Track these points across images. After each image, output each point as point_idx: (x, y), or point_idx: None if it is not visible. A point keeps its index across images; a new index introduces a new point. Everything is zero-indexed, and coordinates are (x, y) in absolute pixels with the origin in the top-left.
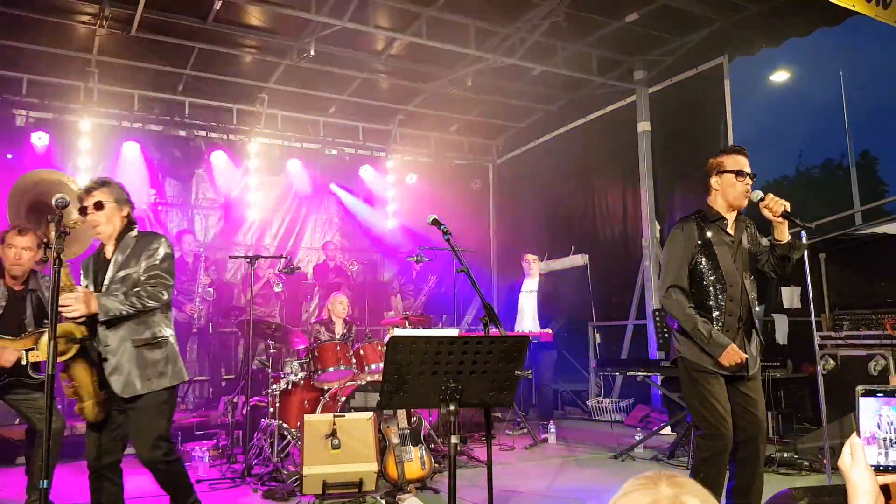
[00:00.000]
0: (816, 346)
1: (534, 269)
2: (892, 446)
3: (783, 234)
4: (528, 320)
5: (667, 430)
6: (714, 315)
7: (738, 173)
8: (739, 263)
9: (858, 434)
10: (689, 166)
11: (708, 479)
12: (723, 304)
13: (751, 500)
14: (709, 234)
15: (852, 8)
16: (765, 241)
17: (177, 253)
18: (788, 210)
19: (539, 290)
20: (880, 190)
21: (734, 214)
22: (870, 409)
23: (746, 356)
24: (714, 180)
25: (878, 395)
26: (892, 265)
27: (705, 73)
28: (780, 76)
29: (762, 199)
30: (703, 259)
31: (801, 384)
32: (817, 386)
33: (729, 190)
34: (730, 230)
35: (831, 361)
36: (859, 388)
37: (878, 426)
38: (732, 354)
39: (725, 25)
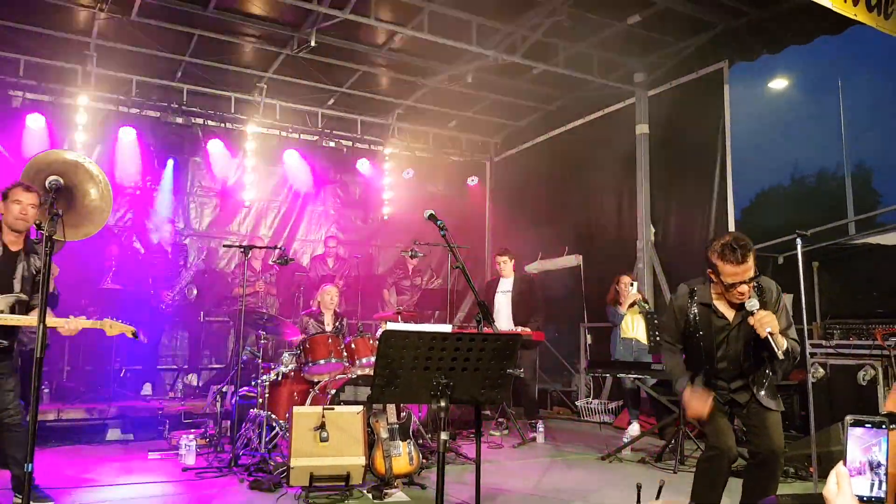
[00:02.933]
0: (807, 354)
1: (506, 269)
2: (880, 478)
3: (771, 348)
4: (503, 320)
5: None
6: (702, 377)
7: (730, 286)
8: (733, 344)
9: (845, 463)
10: (687, 170)
11: (697, 480)
12: (705, 375)
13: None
14: (697, 312)
15: (854, 17)
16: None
17: (154, 239)
18: (771, 336)
19: (514, 289)
20: (874, 200)
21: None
22: (858, 439)
23: (704, 412)
24: (711, 274)
25: (868, 425)
26: (883, 276)
27: (705, 78)
28: (779, 83)
29: (752, 314)
30: (690, 334)
31: (789, 391)
32: (806, 394)
33: (723, 287)
34: (723, 313)
35: (821, 370)
36: (848, 418)
37: (869, 459)
38: (693, 405)
39: (727, 30)
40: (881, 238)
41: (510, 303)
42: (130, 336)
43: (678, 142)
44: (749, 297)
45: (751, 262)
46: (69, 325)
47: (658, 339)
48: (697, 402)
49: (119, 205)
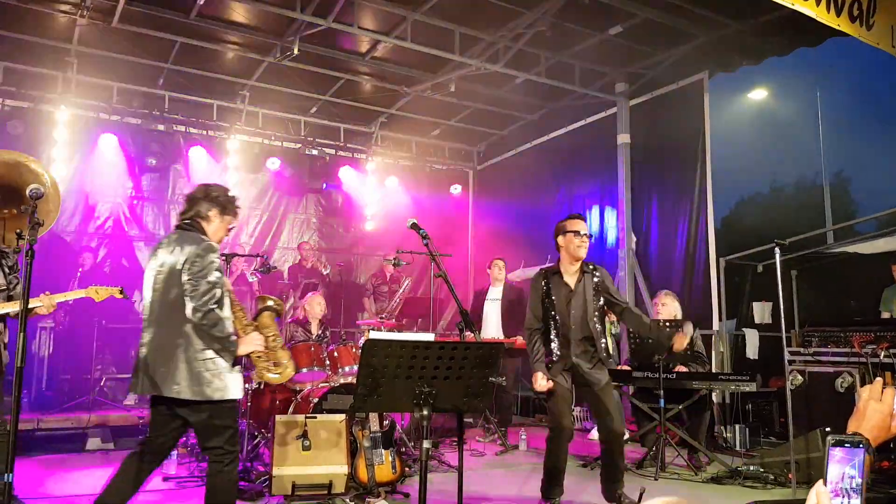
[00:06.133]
0: (786, 362)
1: (501, 276)
2: (852, 494)
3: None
4: (492, 328)
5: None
6: (552, 341)
7: (575, 233)
8: (577, 308)
9: (825, 482)
10: (667, 179)
11: (547, 461)
12: (558, 336)
13: (610, 486)
14: (550, 284)
15: (837, 27)
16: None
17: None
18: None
19: (504, 297)
20: (852, 209)
21: (577, 267)
22: (838, 459)
23: (550, 386)
24: (560, 239)
25: (846, 445)
26: (860, 284)
27: (686, 88)
28: (759, 94)
29: (593, 277)
30: (547, 302)
31: (768, 398)
32: (785, 400)
33: (569, 245)
34: (568, 281)
35: (799, 377)
36: (829, 439)
37: (845, 475)
38: (535, 382)
39: (707, 42)
40: (858, 247)
41: (499, 311)
42: (119, 296)
43: (659, 151)
44: (585, 249)
45: (586, 225)
46: (44, 301)
47: (637, 341)
48: (542, 383)
49: (99, 212)
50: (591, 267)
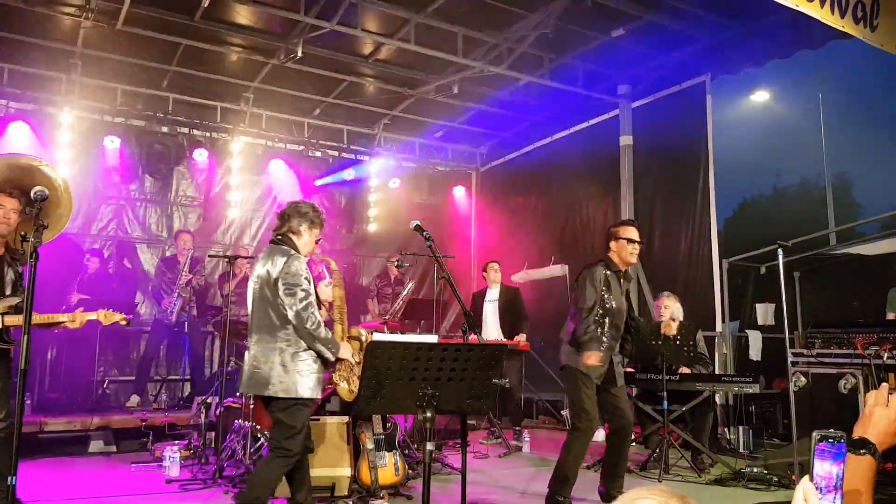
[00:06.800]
0: (789, 364)
1: (497, 278)
2: (831, 491)
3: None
4: (490, 329)
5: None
6: (605, 332)
7: (629, 240)
8: (624, 305)
9: (812, 478)
10: (670, 181)
11: (569, 460)
12: (609, 329)
13: (613, 483)
14: (610, 279)
15: (842, 29)
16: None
17: (171, 251)
18: None
19: (501, 298)
20: (854, 211)
21: (624, 268)
22: (823, 455)
23: (603, 363)
24: (612, 244)
25: (830, 440)
26: (863, 285)
27: (688, 90)
28: (761, 96)
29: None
30: (604, 296)
31: (772, 400)
32: (788, 402)
33: (623, 252)
34: (622, 281)
35: (802, 379)
36: (815, 434)
37: (831, 474)
38: (594, 357)
39: (709, 44)
40: (861, 248)
41: (497, 312)
42: (123, 323)
43: (662, 153)
44: (636, 256)
45: (638, 232)
46: (76, 318)
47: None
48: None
49: (102, 214)
50: (629, 274)
